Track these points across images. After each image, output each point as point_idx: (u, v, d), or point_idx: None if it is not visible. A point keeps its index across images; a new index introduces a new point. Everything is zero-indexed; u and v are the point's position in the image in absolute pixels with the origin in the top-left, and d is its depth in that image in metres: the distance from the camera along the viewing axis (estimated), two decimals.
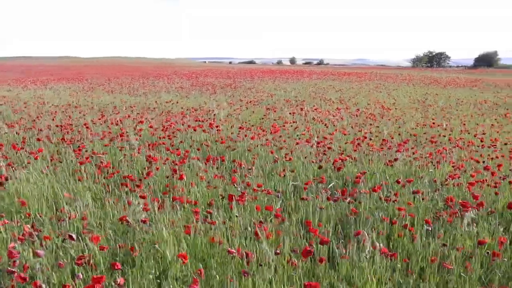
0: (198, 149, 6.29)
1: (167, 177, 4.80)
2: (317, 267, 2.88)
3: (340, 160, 5.34)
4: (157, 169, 5.00)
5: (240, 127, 7.81)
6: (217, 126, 7.95)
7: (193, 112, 10.63)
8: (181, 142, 6.72)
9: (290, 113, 10.23)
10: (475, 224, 3.32)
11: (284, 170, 5.05)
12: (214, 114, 10.06)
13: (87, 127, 7.76)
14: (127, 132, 7.34)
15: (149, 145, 6.36)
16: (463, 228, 3.20)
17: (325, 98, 14.79)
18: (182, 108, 11.55)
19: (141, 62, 74.06)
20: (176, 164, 5.21)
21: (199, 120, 8.91)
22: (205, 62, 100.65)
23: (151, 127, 8.03)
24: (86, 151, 5.99)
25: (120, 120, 8.91)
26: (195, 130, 7.64)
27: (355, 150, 6.04)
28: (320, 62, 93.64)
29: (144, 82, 22.84)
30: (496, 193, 4.22)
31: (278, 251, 2.83)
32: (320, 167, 5.18)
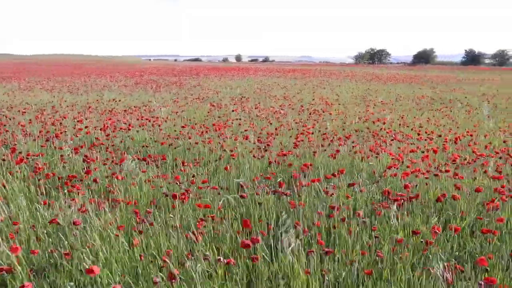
0: (143, 147, 6.16)
1: (107, 177, 4.66)
2: (256, 264, 2.88)
3: (283, 155, 5.38)
4: (96, 169, 4.84)
5: (183, 126, 7.72)
6: (159, 125, 7.81)
7: (136, 110, 10.39)
8: (121, 141, 6.55)
9: (234, 110, 10.23)
10: (397, 216, 3.42)
11: (229, 166, 5.03)
12: (158, 112, 9.89)
13: (22, 127, 7.41)
14: (65, 132, 7.07)
15: (89, 145, 6.15)
16: (392, 220, 3.30)
17: (270, 95, 14.90)
18: (125, 106, 11.27)
19: (84, 60, 71.70)
20: (116, 164, 5.06)
21: (142, 119, 8.72)
22: (150, 59, 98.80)
23: (88, 127, 7.77)
24: (20, 152, 5.71)
25: (58, 120, 8.57)
26: (140, 127, 7.47)
27: (296, 146, 6.10)
28: (266, 59, 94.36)
29: (85, 81, 22.12)
30: (426, 184, 4.40)
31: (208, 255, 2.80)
32: (269, 163, 5.20)
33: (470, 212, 3.71)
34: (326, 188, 4.15)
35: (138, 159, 5.31)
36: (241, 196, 3.92)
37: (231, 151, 5.73)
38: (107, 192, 4.20)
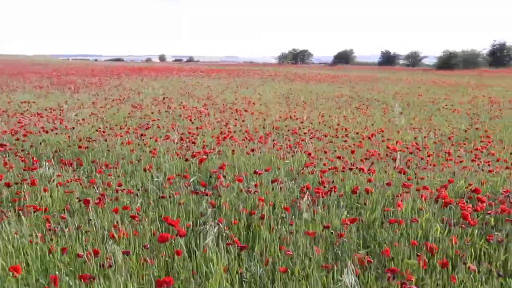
0: (56, 151, 5.87)
1: (16, 184, 4.38)
2: (174, 262, 2.85)
3: (205, 154, 5.36)
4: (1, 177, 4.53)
5: (98, 128, 7.46)
6: (72, 128, 7.49)
7: (51, 112, 9.88)
8: (31, 146, 6.18)
9: (157, 111, 10.05)
10: (314, 211, 3.54)
11: (148, 167, 4.92)
12: (75, 114, 9.48)
13: None
14: None
15: None
16: (303, 214, 3.40)
17: (193, 95, 14.80)
18: (38, 108, 10.68)
19: None
20: (26, 169, 4.78)
21: (56, 121, 8.31)
22: (69, 59, 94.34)
23: None
24: None
25: None
26: (52, 130, 7.10)
27: (218, 144, 6.11)
28: (191, 60, 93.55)
29: None
30: (342, 179, 4.59)
31: (129, 251, 2.73)
32: (186, 160, 5.15)
33: (380, 204, 3.90)
34: (248, 187, 4.19)
35: (51, 163, 5.06)
36: (162, 197, 3.86)
37: (151, 152, 5.61)
38: (18, 199, 3.96)
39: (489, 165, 5.37)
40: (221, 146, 6.12)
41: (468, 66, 49.86)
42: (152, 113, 9.95)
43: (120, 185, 4.14)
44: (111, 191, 4.12)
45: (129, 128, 7.62)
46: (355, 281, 2.31)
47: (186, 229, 3.24)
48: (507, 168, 5.25)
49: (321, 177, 4.46)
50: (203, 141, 6.55)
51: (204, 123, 8.55)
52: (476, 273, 2.73)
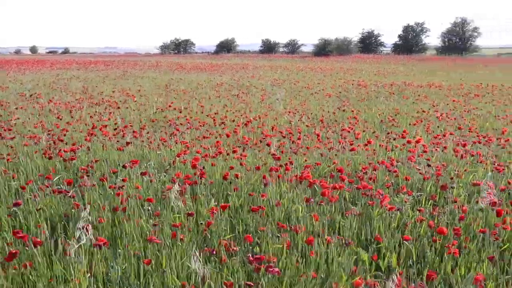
0: None
1: None
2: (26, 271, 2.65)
3: (71, 151, 5.06)
4: None
5: None
6: None
7: None
8: None
9: (21, 107, 9.28)
10: (183, 201, 3.54)
11: (4, 171, 4.51)
12: None
13: None
14: None
15: None
16: (172, 202, 3.38)
17: (66, 89, 13.93)
18: None
19: None
20: None
21: None
22: None
23: None
24: None
25: None
26: None
27: (87, 140, 5.81)
28: (66, 51, 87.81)
29: None
30: (212, 164, 4.62)
31: None
32: (50, 158, 4.81)
33: (248, 190, 4.00)
34: (115, 183, 4.03)
35: None
36: (15, 204, 3.55)
37: (9, 154, 5.15)
38: None
39: (351, 144, 5.76)
40: (91, 142, 5.82)
41: (342, 53, 53.23)
42: (16, 109, 9.17)
43: None
44: None
45: None
46: (199, 267, 2.35)
47: (45, 236, 3.04)
48: (365, 145, 5.66)
49: (193, 167, 4.44)
50: (71, 138, 6.18)
51: (75, 118, 8.08)
52: (332, 245, 2.92)
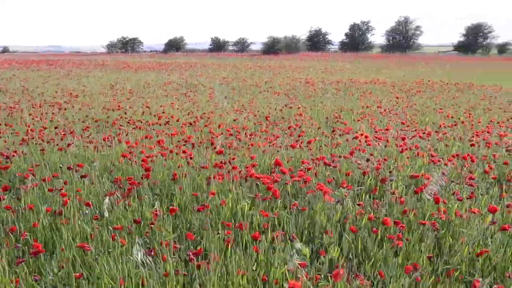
0: None
1: None
2: None
3: (6, 157, 4.85)
4: None
5: None
6: None
7: None
8: None
9: None
10: (129, 203, 3.50)
11: None
12: None
13: None
14: None
15: None
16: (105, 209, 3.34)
17: (5, 90, 13.33)
18: None
19: None
20: None
21: None
22: None
23: None
24: None
25: None
26: None
27: (21, 144, 5.60)
28: (5, 50, 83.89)
29: None
30: (164, 165, 4.59)
31: None
32: None
33: (190, 188, 3.99)
34: (54, 186, 3.91)
35: None
36: None
37: None
38: None
39: (297, 141, 5.84)
40: (27, 145, 5.60)
41: (290, 51, 53.84)
42: None
43: None
44: None
45: None
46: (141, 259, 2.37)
47: None
48: (308, 142, 5.76)
49: (143, 166, 4.36)
50: (5, 141, 5.92)
51: (14, 121, 7.76)
52: (276, 240, 2.96)
